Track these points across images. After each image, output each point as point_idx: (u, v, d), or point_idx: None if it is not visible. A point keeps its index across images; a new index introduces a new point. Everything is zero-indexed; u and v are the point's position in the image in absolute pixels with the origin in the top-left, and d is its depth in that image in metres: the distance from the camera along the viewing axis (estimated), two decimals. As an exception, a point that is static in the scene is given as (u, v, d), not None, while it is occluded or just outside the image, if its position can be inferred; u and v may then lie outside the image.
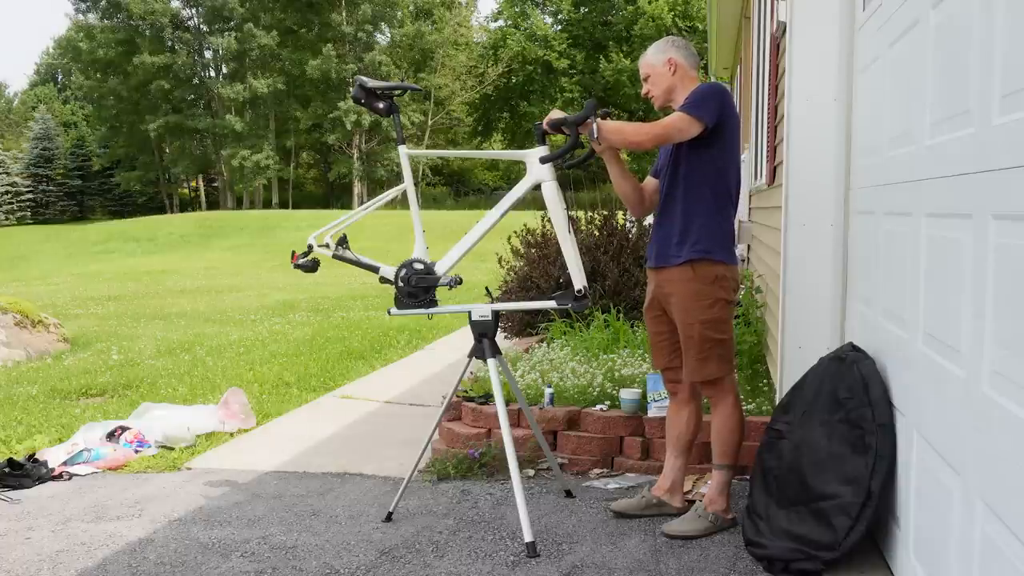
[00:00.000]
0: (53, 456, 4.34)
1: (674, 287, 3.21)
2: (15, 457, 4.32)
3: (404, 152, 3.49)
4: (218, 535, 3.37)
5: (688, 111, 3.07)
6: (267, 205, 51.47)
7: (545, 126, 3.22)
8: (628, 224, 6.35)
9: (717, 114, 3.07)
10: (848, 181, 3.38)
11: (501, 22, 55.12)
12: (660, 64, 3.23)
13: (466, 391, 4.44)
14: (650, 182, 3.40)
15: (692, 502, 3.36)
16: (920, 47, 2.39)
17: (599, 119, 3.15)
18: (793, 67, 3.60)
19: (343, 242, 3.48)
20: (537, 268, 6.17)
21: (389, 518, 3.46)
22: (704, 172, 3.15)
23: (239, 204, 52.23)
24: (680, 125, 3.07)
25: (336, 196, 53.24)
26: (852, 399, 2.78)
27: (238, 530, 3.42)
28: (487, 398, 4.30)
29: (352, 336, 8.77)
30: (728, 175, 3.20)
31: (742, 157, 9.03)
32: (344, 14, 50.36)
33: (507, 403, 3.51)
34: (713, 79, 13.92)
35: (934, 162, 2.24)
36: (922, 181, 2.35)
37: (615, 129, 3.16)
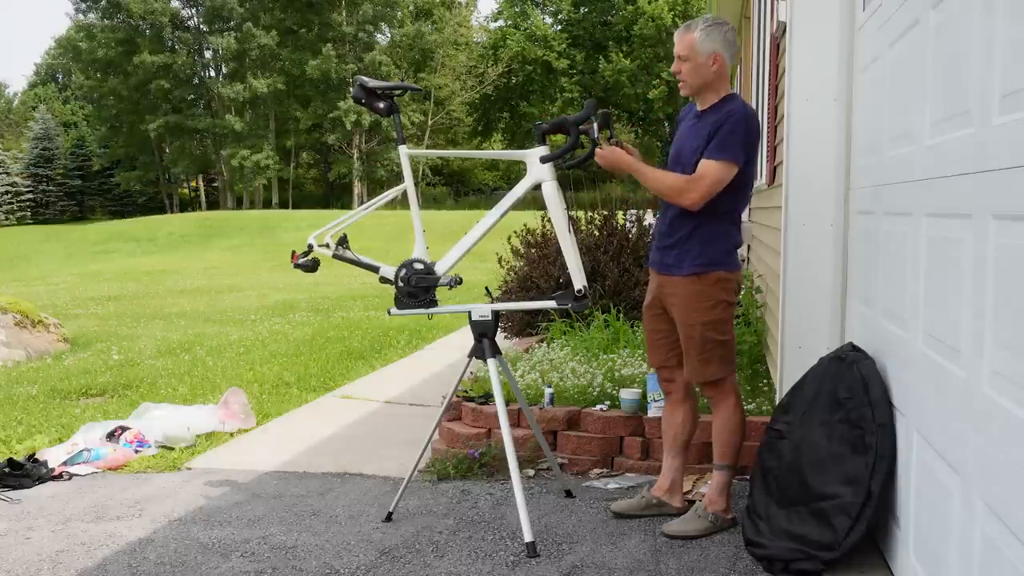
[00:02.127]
0: (53, 456, 4.34)
1: (675, 289, 3.21)
2: (15, 457, 4.32)
3: (404, 152, 3.49)
4: (218, 535, 3.37)
5: (726, 158, 2.99)
6: (267, 205, 51.47)
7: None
8: (628, 224, 6.35)
9: (745, 155, 3.03)
10: (848, 181, 3.38)
11: (501, 22, 55.14)
12: (704, 55, 3.07)
13: (466, 391, 4.44)
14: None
15: (692, 502, 3.36)
16: (920, 47, 2.39)
17: (608, 140, 3.17)
18: (793, 67, 3.60)
19: (343, 242, 3.48)
20: (537, 268, 6.17)
21: (389, 518, 3.46)
22: (729, 188, 3.08)
23: (239, 204, 52.23)
24: (722, 178, 3.01)
25: (336, 196, 53.27)
26: (852, 399, 2.78)
27: (238, 530, 3.42)
28: (487, 398, 4.30)
29: (352, 336, 8.77)
30: (739, 195, 3.14)
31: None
32: (344, 14, 50.37)
33: (507, 403, 3.51)
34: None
35: (934, 162, 2.24)
36: (922, 181, 2.35)
37: (640, 174, 3.12)
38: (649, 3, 48.09)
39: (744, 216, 8.36)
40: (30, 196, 49.35)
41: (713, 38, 3.07)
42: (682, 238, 3.16)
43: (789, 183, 3.62)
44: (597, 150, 3.17)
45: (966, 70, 2.00)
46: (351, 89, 3.71)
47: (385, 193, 3.72)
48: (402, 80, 44.65)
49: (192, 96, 53.13)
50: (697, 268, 3.13)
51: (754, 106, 7.16)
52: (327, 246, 3.49)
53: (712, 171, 3.02)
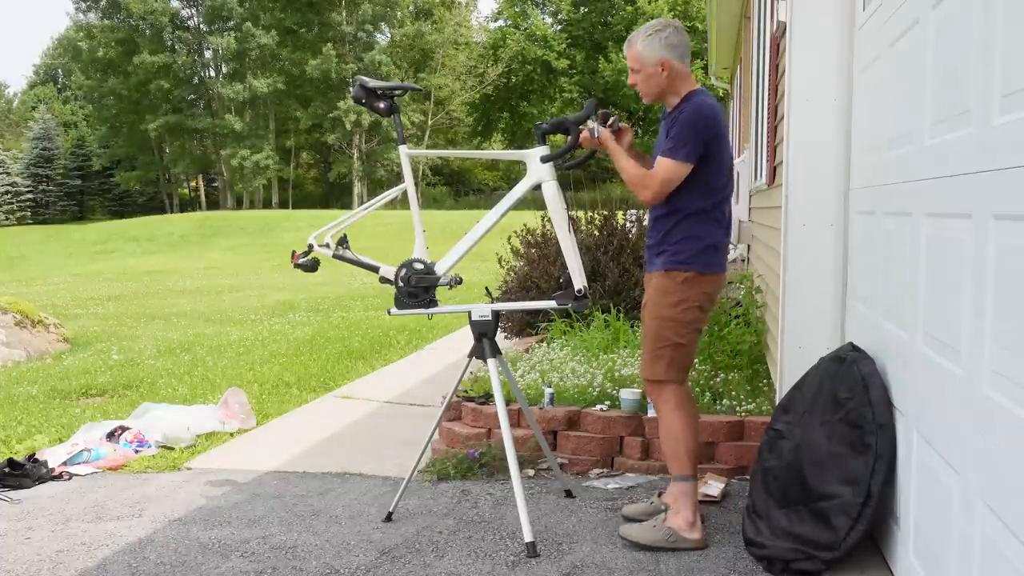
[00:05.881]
0: (53, 456, 4.34)
1: (650, 284, 3.24)
2: (15, 457, 4.32)
3: (404, 152, 3.50)
4: (218, 535, 3.37)
5: (675, 156, 3.02)
6: (267, 205, 51.48)
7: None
8: (628, 224, 6.35)
9: (701, 148, 3.01)
10: (848, 181, 3.38)
11: (501, 22, 55.17)
12: (651, 64, 3.11)
13: (466, 391, 4.44)
14: None
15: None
16: (920, 47, 2.39)
17: (601, 128, 3.18)
18: (793, 67, 3.60)
19: (343, 242, 3.48)
20: (537, 268, 6.17)
21: (389, 518, 3.46)
22: (684, 191, 3.09)
23: (239, 204, 52.23)
24: (671, 177, 3.04)
25: (336, 196, 53.24)
26: (852, 399, 2.78)
27: (238, 530, 3.42)
28: (487, 398, 4.30)
29: (352, 336, 8.77)
30: (711, 192, 3.10)
31: (741, 158, 9.04)
32: (344, 14, 50.37)
33: (507, 403, 3.51)
34: (714, 79, 13.92)
35: (934, 162, 2.25)
36: (922, 181, 2.35)
37: (615, 160, 3.17)
38: (649, 3, 48.10)
39: (744, 216, 8.36)
40: (30, 196, 49.33)
41: (654, 47, 3.10)
42: (659, 239, 3.17)
43: (789, 183, 3.62)
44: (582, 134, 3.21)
45: (966, 70, 2.00)
46: (351, 89, 3.71)
47: (385, 193, 3.72)
48: (402, 80, 44.68)
49: (192, 96, 53.15)
50: (667, 266, 3.13)
51: (754, 106, 7.16)
52: (327, 246, 3.49)
53: (662, 169, 3.06)
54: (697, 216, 3.10)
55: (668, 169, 3.04)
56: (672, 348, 3.12)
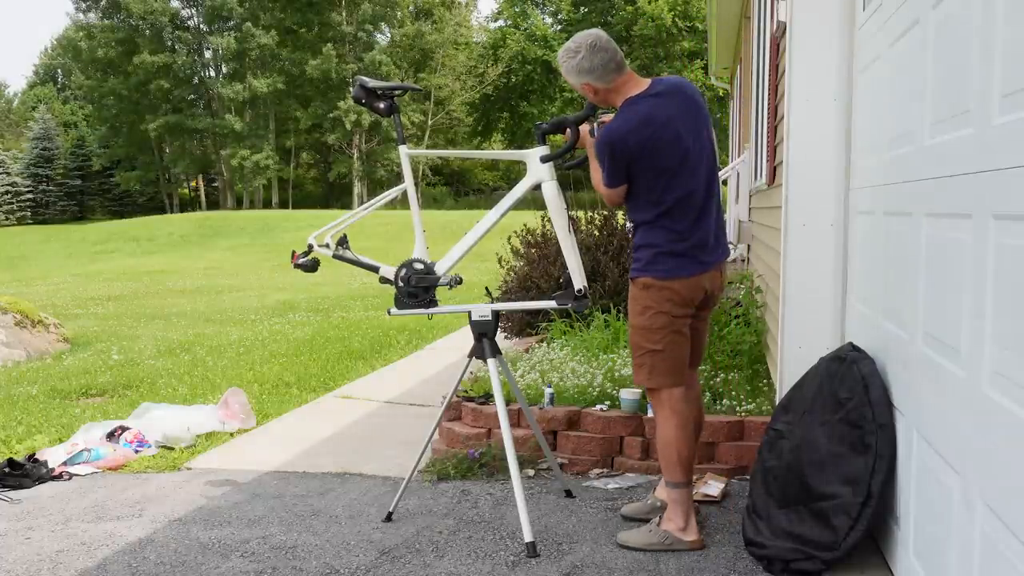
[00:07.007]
0: (53, 456, 4.34)
1: None
2: (15, 457, 4.32)
3: (404, 152, 3.50)
4: (218, 535, 3.37)
5: (602, 177, 3.08)
6: (267, 205, 51.48)
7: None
8: (628, 224, 6.34)
9: (623, 170, 3.00)
10: (848, 181, 3.38)
11: (501, 22, 55.16)
12: (579, 87, 3.10)
13: (466, 391, 4.44)
14: None
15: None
16: (920, 47, 2.39)
17: (598, 126, 3.18)
18: (793, 67, 3.60)
19: (343, 242, 3.48)
20: (537, 268, 6.17)
21: (389, 518, 3.46)
22: (630, 203, 3.11)
23: (239, 204, 52.23)
24: (608, 194, 3.11)
25: (336, 196, 53.23)
26: (852, 399, 2.78)
27: (238, 530, 3.42)
28: (487, 398, 4.30)
29: (352, 336, 8.77)
30: (650, 205, 3.03)
31: (741, 158, 9.00)
32: (344, 14, 50.37)
33: (507, 403, 3.51)
34: (714, 79, 13.91)
35: (934, 162, 2.25)
36: (922, 181, 2.35)
37: (591, 161, 3.19)
38: (649, 3, 48.08)
39: (744, 216, 8.36)
40: (30, 196, 49.32)
41: (571, 73, 3.07)
42: (632, 245, 3.20)
43: (789, 183, 3.62)
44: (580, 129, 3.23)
45: (966, 70, 2.00)
46: (351, 89, 3.71)
47: (385, 193, 3.72)
48: (402, 80, 44.69)
49: (192, 96, 53.14)
50: (632, 274, 3.14)
51: (754, 106, 7.16)
52: (327, 246, 3.50)
53: (602, 186, 3.11)
54: (647, 225, 3.08)
55: (605, 187, 3.10)
56: (650, 355, 3.07)
